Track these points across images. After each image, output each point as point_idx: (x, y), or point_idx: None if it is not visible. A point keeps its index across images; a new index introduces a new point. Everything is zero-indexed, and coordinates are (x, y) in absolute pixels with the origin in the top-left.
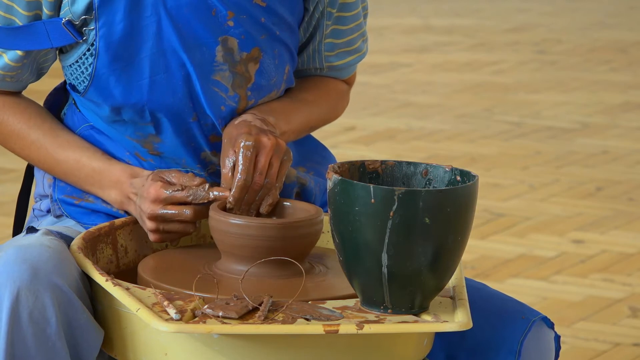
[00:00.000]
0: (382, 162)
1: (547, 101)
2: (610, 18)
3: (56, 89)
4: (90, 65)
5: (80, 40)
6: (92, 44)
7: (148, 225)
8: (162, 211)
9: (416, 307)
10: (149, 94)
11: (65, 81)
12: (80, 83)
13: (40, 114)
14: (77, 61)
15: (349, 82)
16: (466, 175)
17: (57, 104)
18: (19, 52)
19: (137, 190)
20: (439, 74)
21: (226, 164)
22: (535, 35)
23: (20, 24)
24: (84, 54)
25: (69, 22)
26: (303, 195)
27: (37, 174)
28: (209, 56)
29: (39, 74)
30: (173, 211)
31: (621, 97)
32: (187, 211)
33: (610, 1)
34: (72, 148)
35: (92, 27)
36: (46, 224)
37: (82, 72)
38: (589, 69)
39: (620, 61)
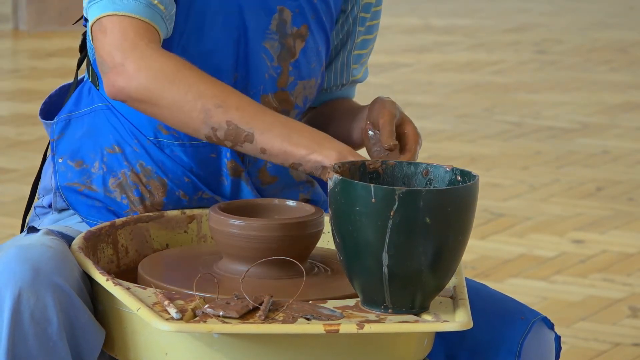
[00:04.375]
0: (383, 162)
1: (547, 101)
2: (610, 18)
3: (61, 88)
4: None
5: None
6: None
7: None
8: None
9: (417, 307)
10: (200, 47)
11: (75, 78)
12: None
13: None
14: None
15: None
16: (467, 175)
17: (61, 101)
18: None
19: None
20: (439, 74)
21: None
22: (535, 35)
23: None
24: None
25: None
26: (311, 201)
27: (47, 166)
28: (264, 22)
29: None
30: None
31: (621, 97)
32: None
33: (610, 1)
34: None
35: None
36: (47, 222)
37: None
38: (589, 69)
39: (620, 61)
